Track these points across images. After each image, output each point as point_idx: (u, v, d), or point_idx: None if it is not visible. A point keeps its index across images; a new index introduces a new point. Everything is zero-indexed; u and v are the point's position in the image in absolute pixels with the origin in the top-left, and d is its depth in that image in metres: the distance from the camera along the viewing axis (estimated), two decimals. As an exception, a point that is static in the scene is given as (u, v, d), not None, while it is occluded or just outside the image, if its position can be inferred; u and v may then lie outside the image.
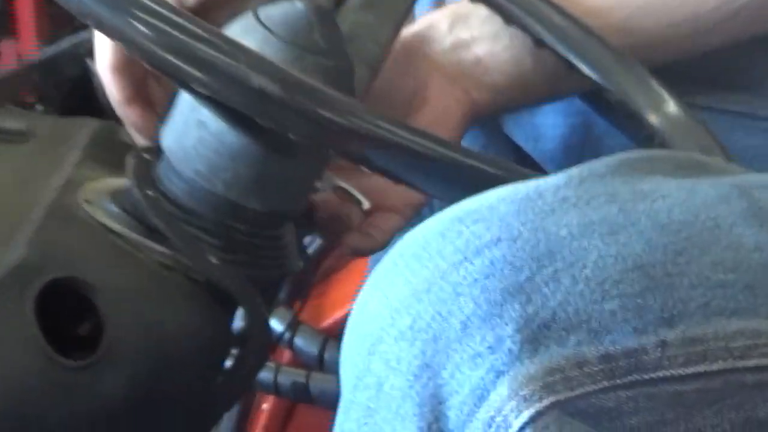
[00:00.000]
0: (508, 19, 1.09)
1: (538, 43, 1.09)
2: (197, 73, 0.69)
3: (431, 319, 0.60)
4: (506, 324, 0.58)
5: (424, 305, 0.61)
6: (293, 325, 1.24)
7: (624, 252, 0.61)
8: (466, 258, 0.61)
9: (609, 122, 1.12)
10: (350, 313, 0.98)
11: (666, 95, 1.04)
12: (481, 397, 0.58)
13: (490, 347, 0.59)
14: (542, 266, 0.60)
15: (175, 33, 0.69)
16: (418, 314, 0.61)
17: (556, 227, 0.62)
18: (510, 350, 0.58)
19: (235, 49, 0.71)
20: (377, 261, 1.24)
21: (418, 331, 0.61)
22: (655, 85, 1.05)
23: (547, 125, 1.19)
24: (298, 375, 1.76)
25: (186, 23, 0.70)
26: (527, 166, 1.15)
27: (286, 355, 1.78)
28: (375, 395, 0.63)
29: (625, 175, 0.68)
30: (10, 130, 0.96)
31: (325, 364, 1.76)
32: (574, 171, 0.68)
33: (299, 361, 1.81)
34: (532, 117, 1.20)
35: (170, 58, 0.70)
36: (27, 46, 3.47)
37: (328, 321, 1.84)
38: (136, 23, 0.68)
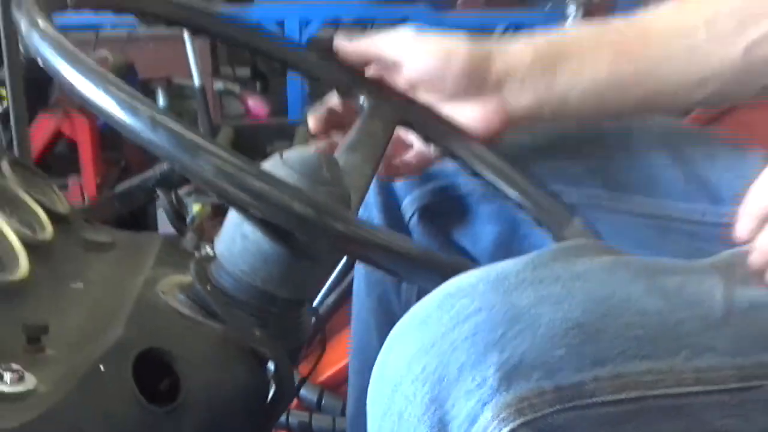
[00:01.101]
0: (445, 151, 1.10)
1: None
2: (254, 202, 0.72)
3: (436, 366, 0.65)
4: (489, 368, 0.64)
5: (431, 357, 0.66)
6: (300, 381, 1.26)
7: (567, 316, 0.66)
8: (458, 323, 0.66)
9: (530, 225, 1.11)
10: (339, 371, 1.03)
11: (561, 208, 1.06)
12: (473, 420, 0.64)
13: (478, 385, 0.64)
14: (511, 327, 0.65)
15: (236, 173, 0.71)
16: (427, 363, 0.66)
17: (519, 300, 0.67)
18: (492, 386, 0.64)
19: (280, 184, 0.74)
20: (358, 334, 1.27)
21: (427, 375, 0.66)
22: (553, 202, 1.06)
23: (484, 231, 1.18)
24: (303, 416, 1.90)
25: (243, 164, 0.72)
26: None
27: (294, 401, 1.82)
28: (397, 422, 0.67)
29: (563, 261, 0.73)
30: (101, 243, 0.98)
31: (322, 408, 1.93)
32: (528, 258, 0.73)
33: (303, 405, 1.95)
34: (473, 226, 1.19)
35: (233, 191, 0.72)
36: (88, 182, 3.50)
37: (322, 377, 1.95)
38: (205, 165, 0.71)
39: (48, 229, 0.89)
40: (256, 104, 5.25)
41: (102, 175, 3.66)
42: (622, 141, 1.18)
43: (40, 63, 0.77)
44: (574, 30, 1.15)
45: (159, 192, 1.16)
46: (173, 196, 1.11)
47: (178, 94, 5.38)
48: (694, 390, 0.70)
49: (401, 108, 1.07)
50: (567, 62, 1.02)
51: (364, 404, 0.87)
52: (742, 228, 0.85)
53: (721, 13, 1.02)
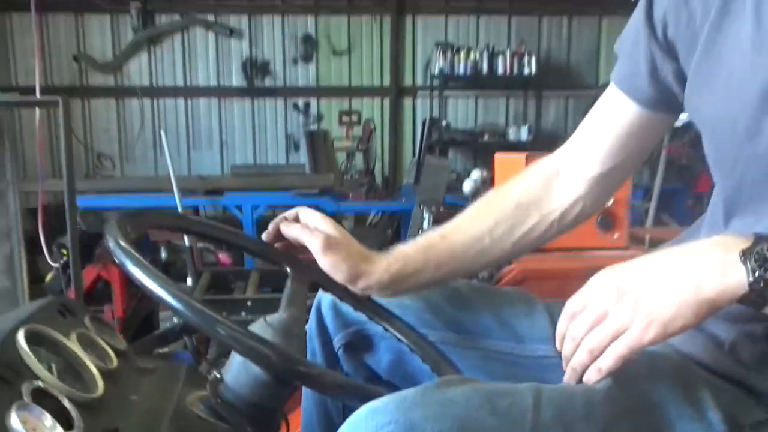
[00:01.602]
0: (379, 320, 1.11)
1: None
2: (249, 354, 0.79)
3: None
4: None
5: None
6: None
7: (442, 428, 0.72)
8: (377, 430, 0.71)
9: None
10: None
11: (432, 350, 1.08)
12: None
13: None
14: (411, 429, 0.71)
15: (239, 336, 0.77)
16: None
17: (414, 416, 0.72)
18: None
19: (265, 342, 0.80)
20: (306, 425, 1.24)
21: None
22: (426, 345, 1.08)
23: (384, 359, 1.17)
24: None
25: (241, 331, 0.78)
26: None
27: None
28: None
29: (441, 390, 0.77)
30: (148, 368, 0.99)
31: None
32: (420, 388, 0.78)
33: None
34: (377, 354, 1.17)
35: (237, 346, 0.79)
36: (117, 308, 3.56)
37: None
38: (221, 332, 0.77)
39: (114, 361, 0.92)
40: (224, 257, 5.89)
41: (126, 304, 3.76)
42: (463, 300, 1.18)
43: (120, 265, 0.82)
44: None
45: (185, 337, 1.20)
46: (193, 339, 1.16)
47: (174, 250, 5.52)
48: None
49: (312, 273, 1.07)
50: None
51: None
52: (559, 346, 0.86)
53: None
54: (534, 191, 1.19)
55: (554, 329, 1.04)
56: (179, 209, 5.30)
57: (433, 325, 1.14)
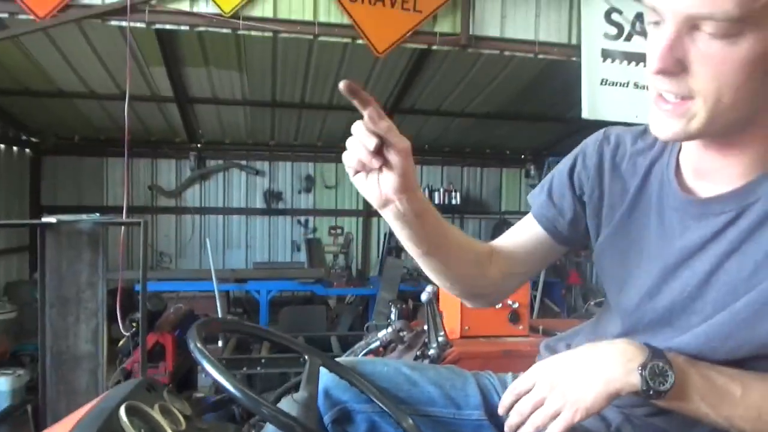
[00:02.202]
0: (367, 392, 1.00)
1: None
2: (280, 426, 0.74)
3: None
4: None
5: None
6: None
7: None
8: None
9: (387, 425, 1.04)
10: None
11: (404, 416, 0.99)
12: None
13: None
14: None
15: (278, 416, 0.73)
16: None
17: None
18: None
19: (291, 417, 0.75)
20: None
21: None
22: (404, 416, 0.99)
23: (361, 428, 1.05)
24: None
25: (277, 409, 0.74)
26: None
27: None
28: None
29: None
30: (205, 428, 0.91)
31: None
32: None
33: None
34: (357, 426, 1.06)
35: (277, 424, 0.74)
36: (169, 365, 3.40)
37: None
38: (265, 412, 0.74)
39: (183, 424, 0.88)
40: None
41: (175, 361, 3.60)
42: (413, 377, 1.08)
43: (200, 366, 0.77)
44: None
45: (233, 406, 1.13)
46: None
47: (208, 319, 5.37)
48: None
49: (323, 362, 1.00)
50: None
51: None
52: (502, 412, 0.80)
53: None
54: (483, 261, 1.00)
55: (482, 396, 1.06)
56: (216, 293, 5.20)
57: (396, 399, 1.06)
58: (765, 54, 0.66)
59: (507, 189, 8.48)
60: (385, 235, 7.87)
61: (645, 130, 0.90)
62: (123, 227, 3.55)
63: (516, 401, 0.79)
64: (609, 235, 0.90)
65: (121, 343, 3.54)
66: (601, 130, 0.96)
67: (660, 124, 0.74)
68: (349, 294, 6.66)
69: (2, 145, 6.55)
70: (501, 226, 8.16)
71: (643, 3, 0.73)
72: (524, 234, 1.01)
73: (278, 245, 8.01)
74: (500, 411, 0.81)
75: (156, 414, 0.84)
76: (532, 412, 0.76)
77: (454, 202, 7.99)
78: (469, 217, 8.37)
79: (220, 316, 4.68)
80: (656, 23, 0.71)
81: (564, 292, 6.63)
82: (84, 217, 2.83)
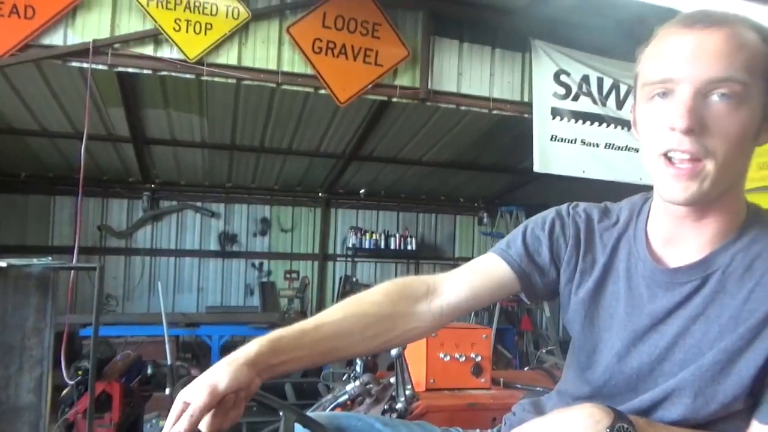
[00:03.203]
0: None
1: None
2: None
3: None
4: None
5: None
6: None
7: None
8: None
9: None
10: None
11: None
12: None
13: None
14: None
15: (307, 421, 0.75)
16: None
17: None
18: None
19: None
20: None
21: None
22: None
23: None
24: None
25: (309, 417, 0.78)
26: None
27: None
28: None
29: None
30: None
31: None
32: None
33: None
34: None
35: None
36: (116, 414, 3.25)
37: None
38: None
39: None
40: (195, 371, 5.25)
41: (121, 411, 3.42)
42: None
43: None
44: None
45: None
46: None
47: (158, 366, 5.15)
48: None
49: (298, 418, 0.95)
50: None
51: None
52: None
53: None
54: (403, 308, 0.98)
55: None
56: (165, 338, 5.03)
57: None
58: (755, 121, 0.76)
59: (460, 235, 8.63)
60: (340, 279, 7.84)
61: (606, 208, 0.98)
62: (72, 271, 3.41)
63: None
64: (581, 302, 0.94)
65: (64, 392, 3.35)
66: (569, 203, 1.01)
67: (674, 186, 0.78)
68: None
69: (-58, 181, 6.24)
70: (455, 271, 8.26)
71: (644, 80, 0.80)
72: (485, 274, 1.00)
73: (231, 289, 7.84)
74: None
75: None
76: None
77: (409, 247, 8.06)
78: (424, 262, 8.43)
79: (169, 362, 4.50)
80: (663, 94, 0.78)
81: (516, 339, 6.71)
82: (35, 261, 2.73)
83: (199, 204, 7.73)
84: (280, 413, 0.96)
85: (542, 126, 4.06)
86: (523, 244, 0.99)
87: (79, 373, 3.12)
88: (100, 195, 7.30)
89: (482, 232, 8.28)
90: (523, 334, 6.71)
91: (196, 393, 0.77)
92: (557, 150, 4.05)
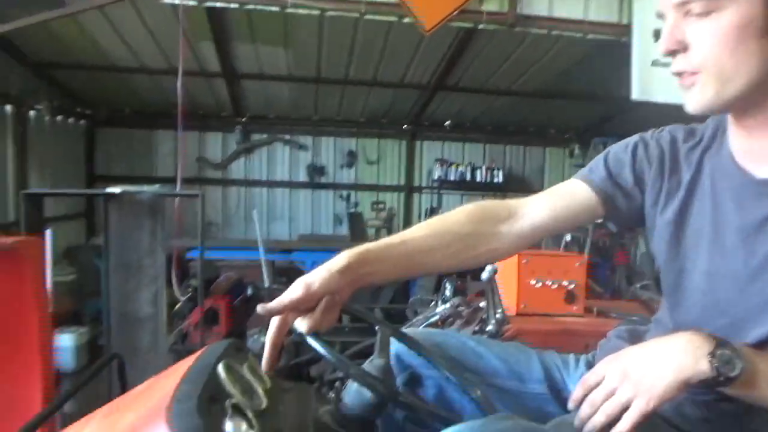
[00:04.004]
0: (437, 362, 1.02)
1: None
2: (372, 389, 0.80)
3: None
4: None
5: None
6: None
7: None
8: None
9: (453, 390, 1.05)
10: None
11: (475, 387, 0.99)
12: None
13: None
14: None
15: (356, 371, 0.79)
16: None
17: None
18: None
19: (368, 375, 0.82)
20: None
21: None
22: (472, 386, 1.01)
23: (429, 393, 1.07)
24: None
25: (359, 368, 0.80)
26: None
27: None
28: None
29: (499, 421, 0.76)
30: (286, 389, 0.93)
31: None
32: (480, 421, 0.76)
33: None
34: (425, 388, 1.07)
35: (357, 377, 0.81)
36: (223, 328, 3.52)
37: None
38: (352, 371, 0.79)
39: (268, 383, 0.94)
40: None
41: (228, 325, 3.74)
42: (478, 349, 1.09)
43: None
44: None
45: (310, 370, 1.17)
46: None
47: (257, 288, 5.48)
48: None
49: (393, 333, 1.01)
50: None
51: None
52: (572, 406, 0.82)
53: None
54: (485, 228, 1.02)
55: (545, 372, 1.08)
56: (263, 262, 5.30)
57: (464, 368, 1.07)
58: (747, 20, 0.77)
59: (550, 168, 8.36)
60: (426, 210, 7.90)
61: (691, 128, 0.97)
62: (177, 198, 3.66)
63: (586, 394, 0.79)
64: (666, 223, 0.93)
65: (177, 306, 3.69)
66: (654, 129, 1.01)
67: (686, 99, 0.84)
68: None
69: (59, 117, 6.78)
70: (543, 205, 8.07)
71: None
72: (567, 197, 1.02)
73: (321, 218, 8.11)
74: (570, 405, 0.82)
75: (246, 373, 0.89)
76: (603, 402, 0.77)
77: (496, 180, 7.93)
78: (511, 196, 8.22)
79: (267, 284, 4.76)
80: (662, 17, 0.85)
81: (609, 274, 6.54)
82: (145, 188, 2.95)
83: (287, 137, 7.94)
84: (376, 328, 1.02)
85: (643, 50, 3.77)
86: (606, 168, 0.99)
87: (189, 290, 3.41)
88: (197, 129, 7.65)
89: (574, 165, 7.97)
90: (615, 269, 6.51)
91: (292, 288, 0.87)
92: (659, 76, 3.76)
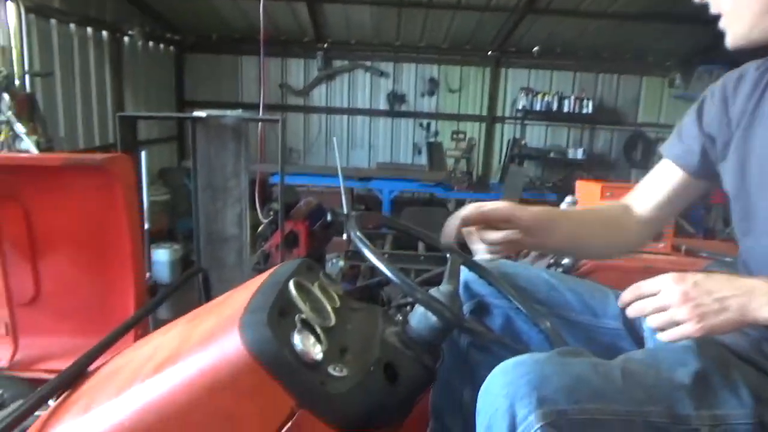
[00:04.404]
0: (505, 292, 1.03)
1: None
2: (438, 314, 0.80)
3: (512, 394, 0.69)
4: (532, 398, 0.68)
5: (509, 388, 0.70)
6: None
7: (563, 381, 0.70)
8: (520, 377, 0.70)
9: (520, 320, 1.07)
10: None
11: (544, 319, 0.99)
12: (524, 419, 0.68)
13: (528, 404, 0.68)
14: (542, 383, 0.69)
15: (423, 296, 0.79)
16: (508, 391, 0.70)
17: (545, 371, 0.70)
18: (534, 405, 0.67)
19: (435, 300, 0.81)
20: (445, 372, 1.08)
21: (507, 396, 0.68)
22: (539, 316, 1.00)
23: (496, 322, 1.07)
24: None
25: (426, 293, 0.79)
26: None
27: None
28: (493, 416, 0.70)
29: (565, 356, 0.75)
30: (356, 308, 0.96)
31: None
32: (549, 353, 0.75)
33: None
34: (493, 316, 1.08)
35: (424, 302, 0.81)
36: (303, 251, 3.65)
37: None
38: (417, 295, 0.79)
39: (338, 301, 0.97)
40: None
41: (308, 248, 3.82)
42: (552, 283, 1.09)
43: (360, 249, 0.83)
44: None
45: (382, 291, 1.19)
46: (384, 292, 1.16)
47: (336, 214, 5.60)
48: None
49: (464, 261, 1.03)
50: None
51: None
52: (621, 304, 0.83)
53: None
54: (615, 223, 1.15)
55: (621, 309, 1.06)
56: (342, 188, 5.40)
57: (535, 300, 1.06)
58: None
59: (646, 98, 7.79)
60: (508, 141, 7.67)
61: (765, 60, 0.97)
62: (260, 124, 3.74)
63: (636, 300, 0.81)
64: (731, 155, 0.95)
65: (260, 228, 3.86)
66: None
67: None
68: (469, 198, 6.65)
69: (151, 43, 7.03)
70: (635, 138, 7.61)
71: None
72: (658, 179, 1.11)
73: (400, 147, 8.10)
74: (619, 303, 0.85)
75: (316, 291, 0.92)
76: (651, 314, 0.79)
77: (585, 110, 7.53)
78: (601, 128, 7.87)
79: (345, 211, 4.86)
80: None
81: (704, 213, 6.17)
82: (229, 112, 3.03)
83: (368, 63, 7.84)
84: (447, 256, 1.01)
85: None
86: (677, 133, 1.07)
87: (271, 213, 3.54)
88: (280, 55, 7.71)
89: (674, 95, 7.39)
90: (711, 208, 6.12)
91: (494, 204, 1.03)
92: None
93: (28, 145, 3.84)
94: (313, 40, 7.50)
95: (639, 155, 7.53)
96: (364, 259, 0.85)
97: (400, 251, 3.82)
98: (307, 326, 0.80)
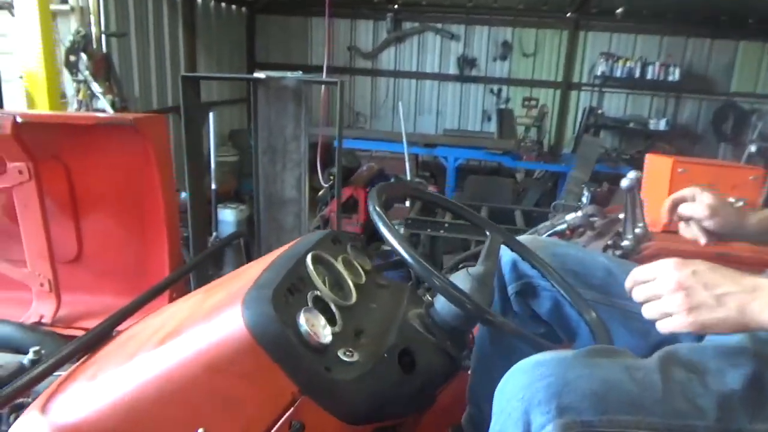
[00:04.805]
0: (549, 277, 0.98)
1: None
2: (456, 303, 0.74)
3: (529, 398, 0.63)
4: (552, 406, 0.62)
5: (526, 392, 0.64)
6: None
7: (590, 387, 0.63)
8: (540, 379, 0.64)
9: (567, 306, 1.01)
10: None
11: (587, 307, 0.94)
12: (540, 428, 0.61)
13: (546, 412, 0.61)
14: (564, 387, 0.62)
15: (445, 285, 0.73)
16: (524, 394, 0.63)
17: (569, 374, 0.63)
18: (553, 415, 0.61)
19: (459, 290, 0.75)
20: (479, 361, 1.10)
21: (524, 400, 0.63)
22: (584, 305, 0.94)
23: (544, 306, 1.05)
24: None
25: (449, 282, 0.74)
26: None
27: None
28: (507, 419, 0.64)
29: (594, 356, 0.69)
30: (383, 284, 0.94)
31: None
32: (576, 352, 0.69)
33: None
34: (539, 302, 1.05)
35: (444, 293, 0.75)
36: (362, 216, 3.65)
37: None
38: (437, 282, 0.73)
39: (363, 277, 0.92)
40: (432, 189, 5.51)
41: (367, 213, 3.82)
42: (609, 269, 1.04)
43: (376, 225, 0.78)
44: None
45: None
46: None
47: (399, 180, 5.54)
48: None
49: (505, 241, 0.98)
50: None
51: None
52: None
53: None
54: None
55: None
56: (406, 155, 5.33)
57: (587, 285, 1.01)
58: None
59: (742, 65, 7.13)
60: (584, 110, 7.29)
61: None
62: (323, 86, 3.70)
63: (635, 287, 0.77)
64: None
65: (320, 192, 3.87)
66: None
67: None
68: (539, 169, 6.39)
69: (223, 3, 7.11)
70: (726, 109, 7.02)
71: None
72: None
73: (469, 113, 7.87)
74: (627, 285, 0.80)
75: (339, 265, 0.87)
76: (644, 302, 0.74)
77: (670, 78, 7.01)
78: (688, 96, 7.31)
79: (408, 178, 4.81)
80: None
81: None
82: (288, 74, 3.00)
83: (439, 26, 7.61)
84: (487, 233, 0.94)
85: None
86: None
87: (332, 177, 3.53)
88: (349, 16, 7.61)
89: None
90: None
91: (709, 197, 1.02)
92: None
93: (104, 104, 3.99)
94: (383, 0, 7.34)
95: (729, 128, 6.94)
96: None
97: (461, 221, 3.72)
98: (320, 304, 0.75)
